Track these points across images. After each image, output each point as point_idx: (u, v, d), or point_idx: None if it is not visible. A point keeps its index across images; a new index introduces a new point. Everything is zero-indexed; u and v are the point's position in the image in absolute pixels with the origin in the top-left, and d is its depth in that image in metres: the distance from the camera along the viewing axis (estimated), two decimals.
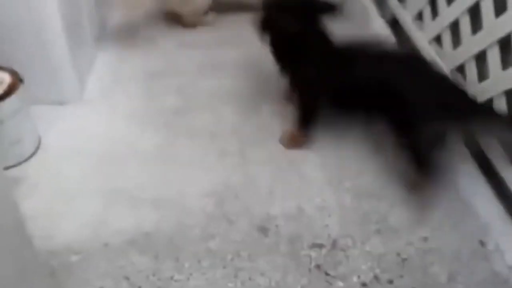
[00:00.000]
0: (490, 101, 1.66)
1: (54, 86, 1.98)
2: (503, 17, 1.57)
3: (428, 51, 2.06)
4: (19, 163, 1.76)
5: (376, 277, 1.43)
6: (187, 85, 2.17)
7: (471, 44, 1.76)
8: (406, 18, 2.30)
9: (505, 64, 1.60)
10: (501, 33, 1.59)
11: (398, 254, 1.49)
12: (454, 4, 1.88)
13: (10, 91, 1.67)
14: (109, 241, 1.50)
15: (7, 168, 1.73)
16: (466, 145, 1.77)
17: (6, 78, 1.70)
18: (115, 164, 1.79)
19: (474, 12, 1.76)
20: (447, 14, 1.94)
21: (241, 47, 2.36)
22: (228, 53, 2.35)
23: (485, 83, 1.70)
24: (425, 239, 1.54)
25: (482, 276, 1.44)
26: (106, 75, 2.22)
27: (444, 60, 1.96)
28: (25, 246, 1.17)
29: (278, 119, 1.97)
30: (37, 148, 1.82)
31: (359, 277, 1.43)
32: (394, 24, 2.45)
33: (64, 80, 1.98)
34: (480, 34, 1.71)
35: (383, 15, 2.55)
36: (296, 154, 1.82)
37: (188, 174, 1.74)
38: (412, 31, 2.24)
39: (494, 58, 1.64)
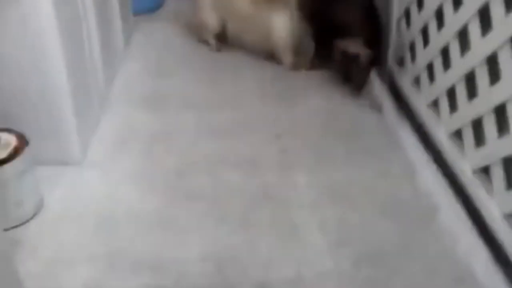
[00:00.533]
0: (487, 168, 1.68)
1: (58, 148, 2.02)
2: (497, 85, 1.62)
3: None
4: (20, 225, 1.78)
5: None
6: (188, 147, 2.20)
7: (468, 110, 1.80)
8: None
9: (501, 131, 1.63)
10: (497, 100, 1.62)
11: None
12: (450, 71, 1.94)
13: (15, 153, 1.71)
14: None
15: (7, 229, 1.74)
16: None
17: (13, 140, 1.74)
18: (115, 227, 1.79)
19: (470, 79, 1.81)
20: (443, 80, 1.98)
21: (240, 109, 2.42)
22: (228, 115, 2.41)
23: (482, 150, 1.72)
24: None
25: None
26: (109, 136, 2.27)
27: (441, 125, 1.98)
28: None
29: (280, 181, 1.99)
30: (39, 209, 1.84)
31: None
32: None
33: (69, 142, 2.02)
34: (476, 101, 1.75)
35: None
36: (297, 219, 1.82)
37: (187, 238, 1.74)
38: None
39: (490, 124, 1.67)
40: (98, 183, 2.00)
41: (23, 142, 1.76)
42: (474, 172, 1.76)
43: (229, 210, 1.86)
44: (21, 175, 1.73)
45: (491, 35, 1.64)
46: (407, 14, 2.34)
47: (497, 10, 1.60)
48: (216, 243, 1.72)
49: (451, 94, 1.94)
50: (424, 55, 2.16)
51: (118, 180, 2.01)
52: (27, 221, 1.79)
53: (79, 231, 1.77)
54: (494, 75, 1.64)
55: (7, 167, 1.67)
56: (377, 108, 2.46)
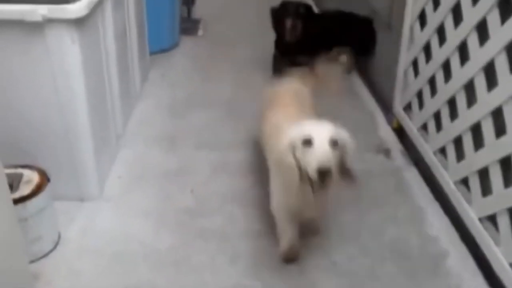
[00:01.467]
0: (493, 216, 1.72)
1: (76, 184, 2.08)
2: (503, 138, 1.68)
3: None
4: (38, 259, 1.82)
5: None
6: (201, 185, 2.27)
7: (474, 159, 1.86)
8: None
9: (507, 182, 1.69)
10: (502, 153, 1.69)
11: None
12: (457, 121, 2.00)
13: (37, 190, 1.77)
14: None
15: None
16: None
17: (35, 177, 1.81)
18: (129, 263, 1.84)
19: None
20: (451, 129, 2.05)
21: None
22: (240, 155, 2.48)
23: (488, 199, 1.77)
24: None
25: None
26: (125, 173, 2.33)
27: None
28: None
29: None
30: (56, 244, 1.89)
31: None
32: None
33: (86, 179, 2.09)
34: (482, 151, 1.81)
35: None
36: (309, 261, 1.86)
37: (199, 277, 1.78)
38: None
39: (496, 174, 1.73)
40: (113, 219, 2.05)
41: (44, 179, 1.82)
42: (480, 220, 1.82)
43: None
44: (42, 211, 1.79)
45: (496, 90, 1.72)
46: (414, 64, 2.43)
47: (502, 64, 1.69)
48: (229, 281, 1.77)
49: (457, 142, 2.01)
50: (432, 103, 2.23)
51: (132, 216, 2.06)
52: (45, 255, 1.84)
53: (94, 265, 1.82)
54: (500, 126, 1.72)
55: (29, 203, 1.73)
56: (385, 152, 2.52)
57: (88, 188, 2.11)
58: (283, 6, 3.05)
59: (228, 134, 2.67)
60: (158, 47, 3.55)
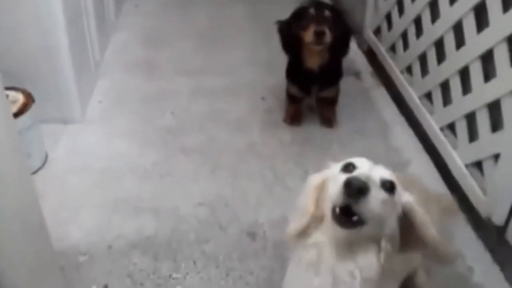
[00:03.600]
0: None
1: (59, 106, 2.16)
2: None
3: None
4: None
5: None
6: (180, 108, 2.36)
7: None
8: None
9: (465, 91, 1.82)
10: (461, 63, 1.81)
11: None
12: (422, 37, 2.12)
13: (23, 109, 1.84)
14: (113, 244, 1.66)
15: None
16: None
17: (20, 98, 1.88)
18: (115, 178, 1.95)
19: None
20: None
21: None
22: (216, 80, 2.57)
23: (448, 108, 1.92)
24: None
25: None
26: (106, 98, 2.41)
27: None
28: (44, 240, 1.34)
29: (267, 137, 2.17)
30: (44, 162, 1.99)
31: None
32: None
33: (69, 101, 2.17)
34: (444, 64, 1.94)
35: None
36: (282, 168, 2.01)
37: (182, 187, 1.91)
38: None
39: (456, 86, 1.86)
40: (97, 140, 2.15)
41: (29, 99, 1.89)
42: (442, 129, 1.97)
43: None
44: (29, 129, 1.87)
45: (458, 2, 1.83)
46: None
47: None
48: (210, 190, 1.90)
49: (423, 59, 2.14)
50: (399, 24, 2.34)
51: (115, 137, 2.16)
52: (35, 172, 1.93)
53: (82, 182, 1.92)
54: (460, 41, 1.84)
55: (18, 120, 1.80)
56: (355, 74, 2.64)
57: (71, 110, 2.19)
58: (299, 13, 2.01)
59: (204, 61, 2.75)
60: None
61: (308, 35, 1.91)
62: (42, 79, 2.07)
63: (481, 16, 1.71)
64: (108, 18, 2.85)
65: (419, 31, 2.17)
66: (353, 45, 2.82)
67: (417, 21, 2.17)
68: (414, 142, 2.17)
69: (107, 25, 2.81)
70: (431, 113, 2.05)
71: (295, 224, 1.06)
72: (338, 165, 1.05)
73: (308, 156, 2.08)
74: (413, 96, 2.19)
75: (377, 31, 2.63)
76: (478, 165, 1.77)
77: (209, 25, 3.13)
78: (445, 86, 1.96)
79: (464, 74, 1.82)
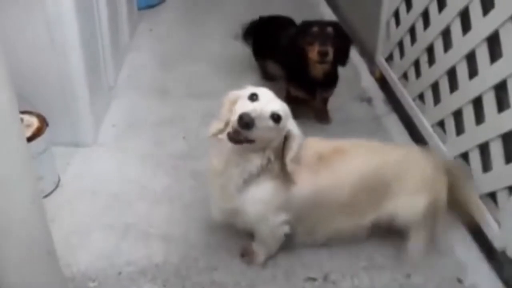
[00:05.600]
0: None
1: (72, 130, 2.18)
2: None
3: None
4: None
5: None
6: (192, 132, 2.37)
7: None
8: None
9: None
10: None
11: None
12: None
13: (37, 133, 1.86)
14: (123, 270, 1.66)
15: None
16: None
17: (35, 121, 1.90)
18: (126, 202, 1.96)
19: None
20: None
21: None
22: None
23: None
24: (409, 276, 1.70)
25: None
26: (119, 121, 2.43)
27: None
28: (53, 267, 1.33)
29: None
30: (57, 185, 2.00)
31: None
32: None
33: (81, 125, 2.19)
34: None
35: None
36: None
37: (193, 212, 1.91)
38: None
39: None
40: (109, 163, 2.15)
41: (43, 123, 1.91)
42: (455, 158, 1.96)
43: None
44: (42, 153, 1.88)
45: (471, 34, 1.83)
46: (396, 15, 2.52)
47: (475, 9, 1.80)
48: None
49: (435, 88, 2.14)
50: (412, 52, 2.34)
51: (127, 161, 2.17)
52: (47, 196, 1.94)
53: (93, 205, 1.93)
54: (473, 70, 1.84)
55: (31, 145, 1.82)
56: (367, 100, 2.64)
57: (83, 134, 2.21)
58: (303, 29, 2.20)
59: (216, 85, 2.76)
60: (145, 3, 3.59)
61: (313, 54, 2.12)
62: (56, 103, 2.09)
63: (494, 47, 1.71)
64: (122, 40, 2.89)
65: (431, 59, 2.17)
66: (365, 71, 2.86)
67: (430, 50, 2.18)
68: None
69: (121, 47, 2.85)
70: (444, 141, 2.04)
71: (214, 126, 1.50)
72: (247, 91, 1.44)
73: None
74: (425, 124, 2.18)
75: (389, 58, 2.64)
76: (492, 196, 1.75)
77: (222, 49, 3.16)
78: (458, 115, 1.95)
79: (477, 103, 1.81)
